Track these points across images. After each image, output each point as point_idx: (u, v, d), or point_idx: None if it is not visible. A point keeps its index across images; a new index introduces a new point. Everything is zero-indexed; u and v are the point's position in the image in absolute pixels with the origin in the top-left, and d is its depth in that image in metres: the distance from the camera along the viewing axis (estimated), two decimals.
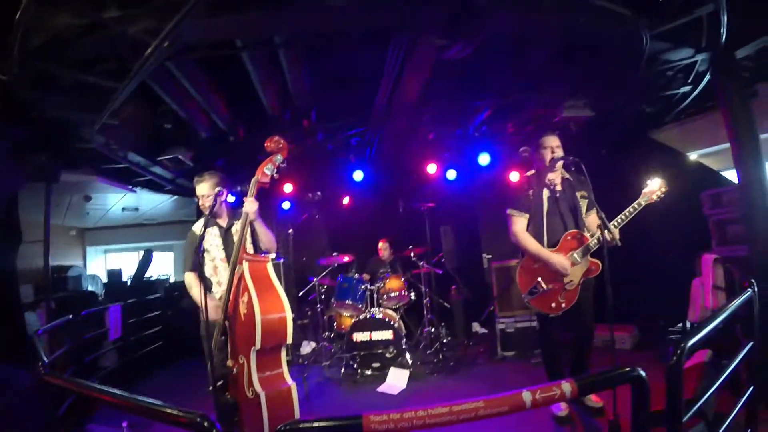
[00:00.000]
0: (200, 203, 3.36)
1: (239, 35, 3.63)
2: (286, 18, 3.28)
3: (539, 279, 3.42)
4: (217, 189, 3.25)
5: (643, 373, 1.53)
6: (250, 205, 3.05)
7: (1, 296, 3.39)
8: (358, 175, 7.03)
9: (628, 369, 1.55)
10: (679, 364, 1.66)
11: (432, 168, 6.94)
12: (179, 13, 2.77)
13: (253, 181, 3.10)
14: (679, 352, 1.68)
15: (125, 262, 11.55)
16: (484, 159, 6.55)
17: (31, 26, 2.81)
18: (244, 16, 3.13)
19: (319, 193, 7.01)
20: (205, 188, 3.33)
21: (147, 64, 3.23)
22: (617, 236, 3.25)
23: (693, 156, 5.95)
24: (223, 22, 3.14)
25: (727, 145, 4.15)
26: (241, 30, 3.49)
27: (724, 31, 3.67)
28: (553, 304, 3.40)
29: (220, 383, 2.81)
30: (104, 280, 9.35)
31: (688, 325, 4.70)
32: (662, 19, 3.58)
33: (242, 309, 2.88)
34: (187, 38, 3.15)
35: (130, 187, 6.75)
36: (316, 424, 1.42)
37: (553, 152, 3.49)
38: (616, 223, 3.29)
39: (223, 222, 3.43)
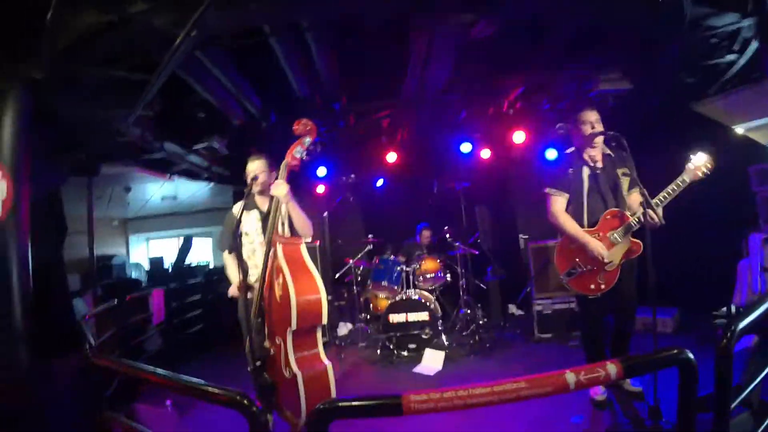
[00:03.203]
0: (253, 181, 3.33)
1: (264, 21, 3.62)
2: (306, 4, 3.25)
3: (577, 259, 3.32)
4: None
5: (691, 356, 1.47)
6: (280, 188, 3.06)
7: (50, 285, 3.54)
8: (391, 157, 6.98)
9: (676, 351, 1.49)
10: (729, 348, 1.58)
11: (466, 147, 6.81)
12: (204, 3, 2.78)
13: (283, 164, 3.12)
14: (729, 334, 1.60)
15: (166, 249, 11.90)
16: (519, 137, 6.39)
17: (60, 27, 2.87)
18: (266, 3, 3.12)
19: (353, 175, 7.02)
20: (262, 165, 3.40)
21: (176, 55, 3.26)
22: (660, 216, 3.06)
23: (739, 130, 5.62)
24: (247, 9, 3.13)
25: None
26: (265, 16, 3.47)
27: None
28: (593, 285, 3.30)
29: (258, 363, 2.86)
30: (147, 267, 9.67)
31: (733, 308, 4.50)
32: None
33: (277, 291, 2.92)
34: (213, 27, 3.17)
35: (168, 176, 6.92)
36: (355, 403, 1.43)
37: (593, 127, 3.35)
38: (658, 202, 3.10)
39: (263, 206, 3.46)
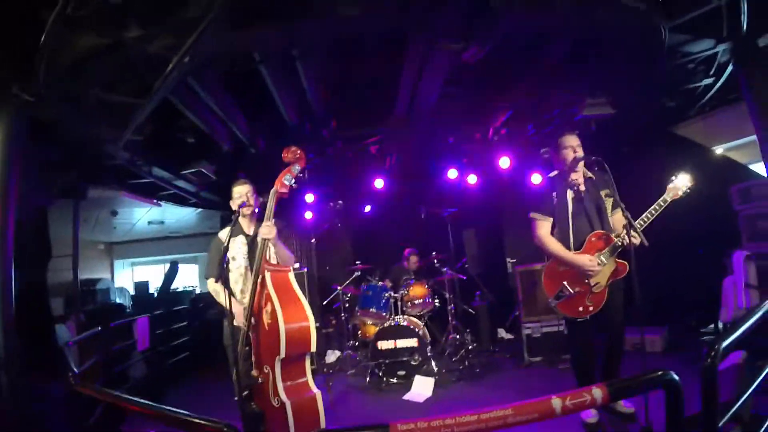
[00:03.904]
0: (239, 204, 3.33)
1: (256, 48, 3.68)
2: (301, 30, 3.32)
3: (565, 283, 3.35)
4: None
5: (676, 377, 1.48)
6: (269, 231, 3.06)
7: (32, 310, 3.48)
8: (379, 183, 7.02)
9: (660, 372, 1.50)
10: (714, 366, 1.60)
11: (453, 173, 6.90)
12: (197, 30, 2.82)
13: (272, 192, 3.13)
14: (713, 353, 1.62)
15: (152, 274, 11.74)
16: (504, 162, 6.48)
17: (56, 48, 2.89)
18: (260, 30, 3.18)
19: (340, 202, 7.03)
20: (250, 189, 3.45)
21: (168, 81, 3.29)
22: (643, 237, 3.12)
23: (719, 150, 5.79)
24: (240, 36, 3.19)
25: (754, 137, 4.03)
26: (258, 43, 3.54)
27: (744, 19, 3.55)
28: (581, 308, 3.32)
29: (245, 393, 2.81)
30: (132, 292, 9.52)
31: (720, 325, 4.55)
32: (680, 10, 3.50)
33: (266, 319, 2.90)
34: (206, 54, 3.21)
35: (155, 201, 6.88)
36: None
37: (574, 152, 3.42)
38: (641, 222, 3.19)
39: (249, 231, 3.46)
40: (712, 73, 4.53)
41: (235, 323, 3.07)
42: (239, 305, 3.21)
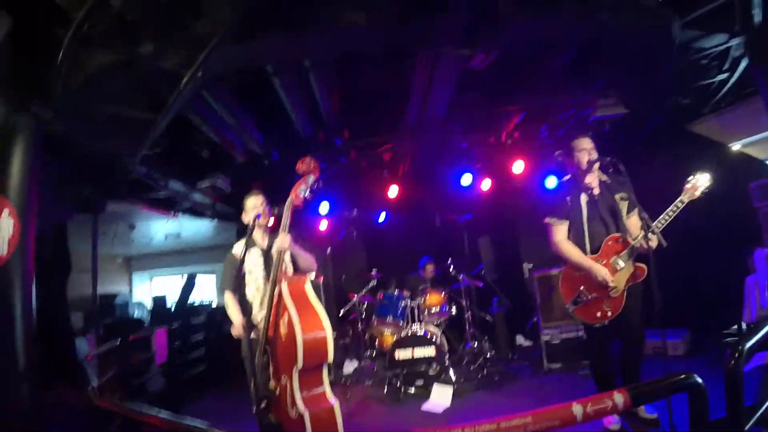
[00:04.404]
0: (254, 216, 3.31)
1: (267, 61, 3.73)
2: (310, 40, 3.36)
3: (582, 288, 3.30)
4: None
5: (699, 380, 1.44)
6: (283, 241, 3.06)
7: (53, 324, 3.54)
8: (392, 191, 7.01)
9: (683, 376, 1.47)
10: (738, 368, 1.56)
11: (467, 179, 6.86)
12: (209, 44, 2.87)
13: (287, 203, 3.13)
14: (737, 354, 1.58)
15: (170, 287, 11.86)
16: (518, 166, 6.44)
17: (70, 66, 2.96)
18: (270, 42, 3.22)
19: (355, 210, 7.04)
20: (263, 200, 3.45)
21: (182, 95, 3.34)
22: (661, 238, 3.07)
23: (735, 146, 5.67)
24: (251, 48, 3.23)
25: None
26: (269, 55, 3.58)
27: (757, 12, 3.48)
28: (599, 314, 3.26)
29: (264, 404, 2.81)
30: (149, 306, 9.62)
31: (743, 326, 4.43)
32: (691, 5, 3.46)
33: (283, 329, 2.89)
34: (218, 67, 3.26)
35: (172, 214, 6.96)
36: None
37: (589, 154, 3.38)
38: (658, 225, 3.12)
39: (264, 243, 3.47)
40: (726, 68, 4.45)
41: (252, 335, 3.09)
42: (256, 317, 3.23)
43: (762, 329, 1.78)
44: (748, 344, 1.63)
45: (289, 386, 2.81)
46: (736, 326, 4.46)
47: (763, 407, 1.78)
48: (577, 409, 1.40)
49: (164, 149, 4.71)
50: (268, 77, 3.97)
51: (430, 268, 6.60)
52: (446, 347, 5.53)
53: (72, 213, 4.53)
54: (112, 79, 3.15)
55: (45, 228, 3.42)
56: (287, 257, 3.26)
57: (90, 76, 3.07)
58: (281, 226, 3.09)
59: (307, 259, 3.28)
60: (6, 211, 2.92)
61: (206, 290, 11.52)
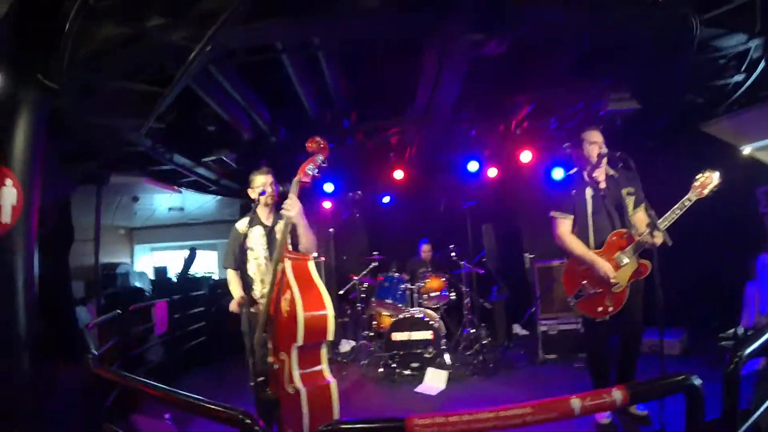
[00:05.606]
0: (259, 193, 3.32)
1: (277, 39, 3.68)
2: (321, 23, 3.31)
3: (585, 282, 3.29)
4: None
5: (698, 382, 1.45)
6: (293, 205, 3.04)
7: (54, 292, 3.56)
8: (398, 174, 7.00)
9: (682, 377, 1.47)
10: (737, 373, 1.57)
11: (473, 166, 6.84)
12: (219, 20, 2.82)
13: (294, 180, 3.11)
14: (736, 360, 1.58)
15: (171, 260, 11.90)
16: (526, 156, 6.41)
17: (78, 38, 2.92)
18: (281, 22, 3.17)
19: (359, 192, 7.03)
20: (270, 178, 3.41)
21: (190, 70, 3.31)
22: (667, 237, 3.02)
23: (746, 150, 5.61)
24: (261, 27, 3.19)
25: None
26: (279, 35, 3.54)
27: None
28: (600, 308, 3.26)
29: (261, 379, 2.83)
30: (151, 277, 9.67)
31: (740, 330, 4.44)
32: (711, 3, 3.38)
33: (284, 306, 2.91)
34: (227, 43, 3.22)
35: (175, 187, 6.96)
36: (358, 426, 1.41)
37: (600, 147, 3.33)
38: (665, 222, 3.06)
39: (268, 221, 3.46)
40: (743, 69, 4.36)
41: (252, 310, 3.11)
42: (256, 293, 3.24)
43: (761, 336, 1.78)
44: (747, 351, 1.64)
45: (287, 363, 2.83)
46: (732, 330, 4.48)
47: (757, 413, 1.79)
48: (575, 402, 1.41)
49: (170, 123, 4.69)
50: (278, 55, 3.93)
51: (426, 249, 6.61)
52: (443, 332, 5.57)
53: (75, 184, 4.53)
54: (119, 52, 3.11)
55: (49, 201, 3.42)
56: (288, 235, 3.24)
57: (97, 49, 3.04)
58: (290, 193, 3.06)
59: (309, 239, 3.26)
60: (10, 182, 2.92)
61: (208, 264, 11.58)
